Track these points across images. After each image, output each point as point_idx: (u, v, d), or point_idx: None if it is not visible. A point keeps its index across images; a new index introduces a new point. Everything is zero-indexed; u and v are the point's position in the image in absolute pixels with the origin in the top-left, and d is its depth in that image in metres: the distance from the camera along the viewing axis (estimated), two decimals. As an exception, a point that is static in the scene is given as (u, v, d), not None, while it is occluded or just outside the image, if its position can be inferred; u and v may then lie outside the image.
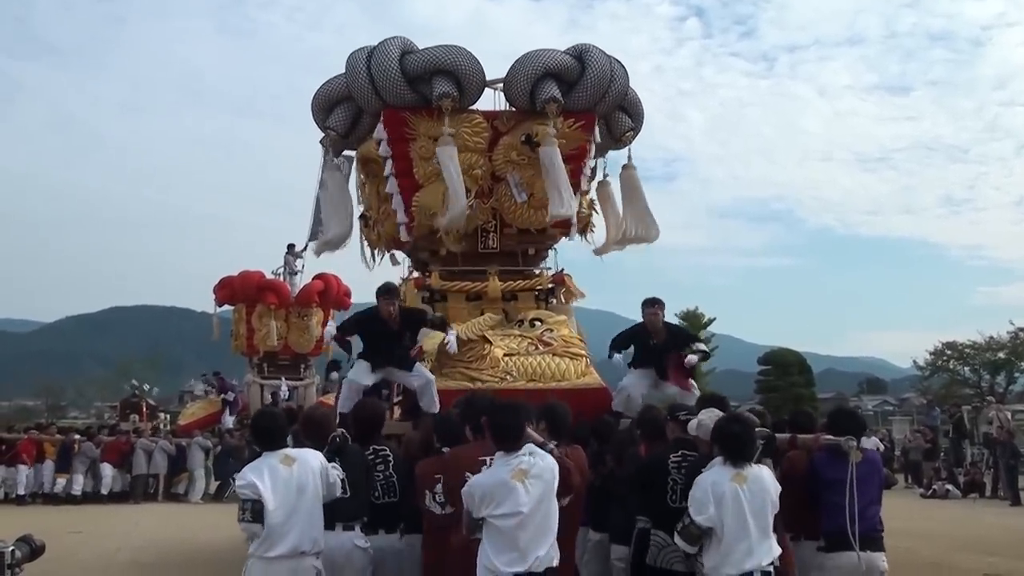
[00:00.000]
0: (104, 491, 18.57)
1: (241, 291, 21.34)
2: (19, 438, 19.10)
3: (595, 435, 6.62)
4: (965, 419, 22.61)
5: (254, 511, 4.77)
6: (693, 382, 8.05)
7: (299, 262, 22.15)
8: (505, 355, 8.02)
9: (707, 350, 8.27)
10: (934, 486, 19.66)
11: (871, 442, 22.61)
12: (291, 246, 22.18)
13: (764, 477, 4.82)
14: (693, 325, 40.72)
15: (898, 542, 10.74)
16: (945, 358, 41.56)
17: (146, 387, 27.47)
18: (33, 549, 3.14)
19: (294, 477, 4.93)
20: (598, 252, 9.91)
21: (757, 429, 5.18)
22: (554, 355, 8.12)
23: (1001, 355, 39.59)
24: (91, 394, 58.29)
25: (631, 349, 8.14)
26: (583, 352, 8.34)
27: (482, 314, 8.56)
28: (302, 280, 22.15)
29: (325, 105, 9.17)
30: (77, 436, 19.54)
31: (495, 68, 8.87)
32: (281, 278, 22.02)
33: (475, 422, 5.13)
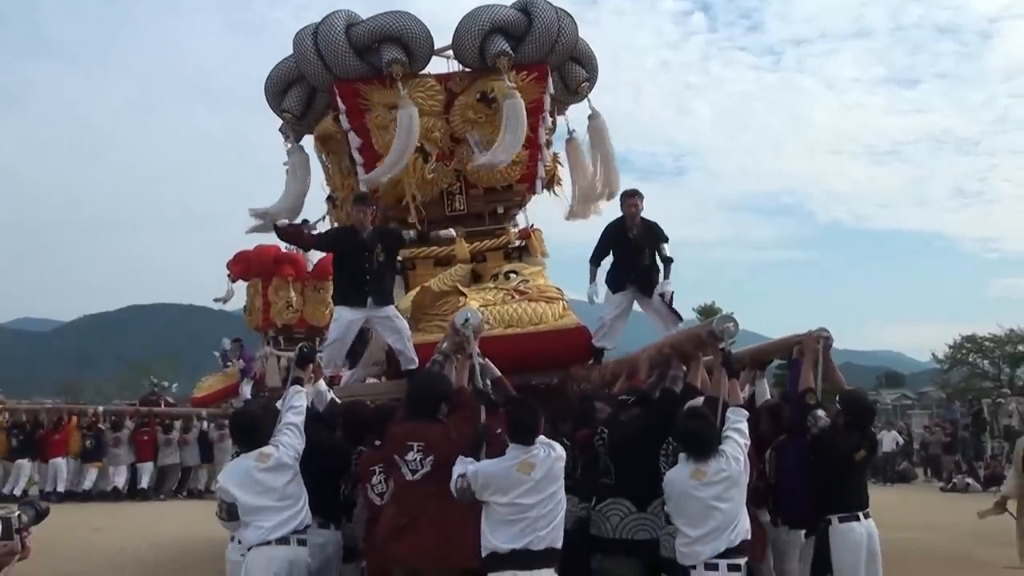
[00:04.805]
0: (143, 485, 18.62)
1: (257, 265, 21.03)
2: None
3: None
4: (985, 412, 22.44)
5: (229, 511, 4.99)
6: (679, 315, 7.98)
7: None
8: (481, 306, 7.90)
9: (670, 256, 7.89)
10: (954, 479, 19.50)
11: (890, 436, 22.33)
12: (305, 221, 22.00)
13: (727, 466, 4.87)
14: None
15: (918, 535, 10.70)
16: (964, 351, 41.14)
17: (165, 383, 27.51)
18: (39, 512, 3.25)
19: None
20: (570, 217, 9.67)
21: (721, 344, 5.39)
22: (530, 301, 8.06)
23: (1022, 348, 39.17)
24: (110, 392, 58.62)
25: (611, 283, 8.03)
26: (560, 296, 8.26)
27: None
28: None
29: (278, 89, 9.01)
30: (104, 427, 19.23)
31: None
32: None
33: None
